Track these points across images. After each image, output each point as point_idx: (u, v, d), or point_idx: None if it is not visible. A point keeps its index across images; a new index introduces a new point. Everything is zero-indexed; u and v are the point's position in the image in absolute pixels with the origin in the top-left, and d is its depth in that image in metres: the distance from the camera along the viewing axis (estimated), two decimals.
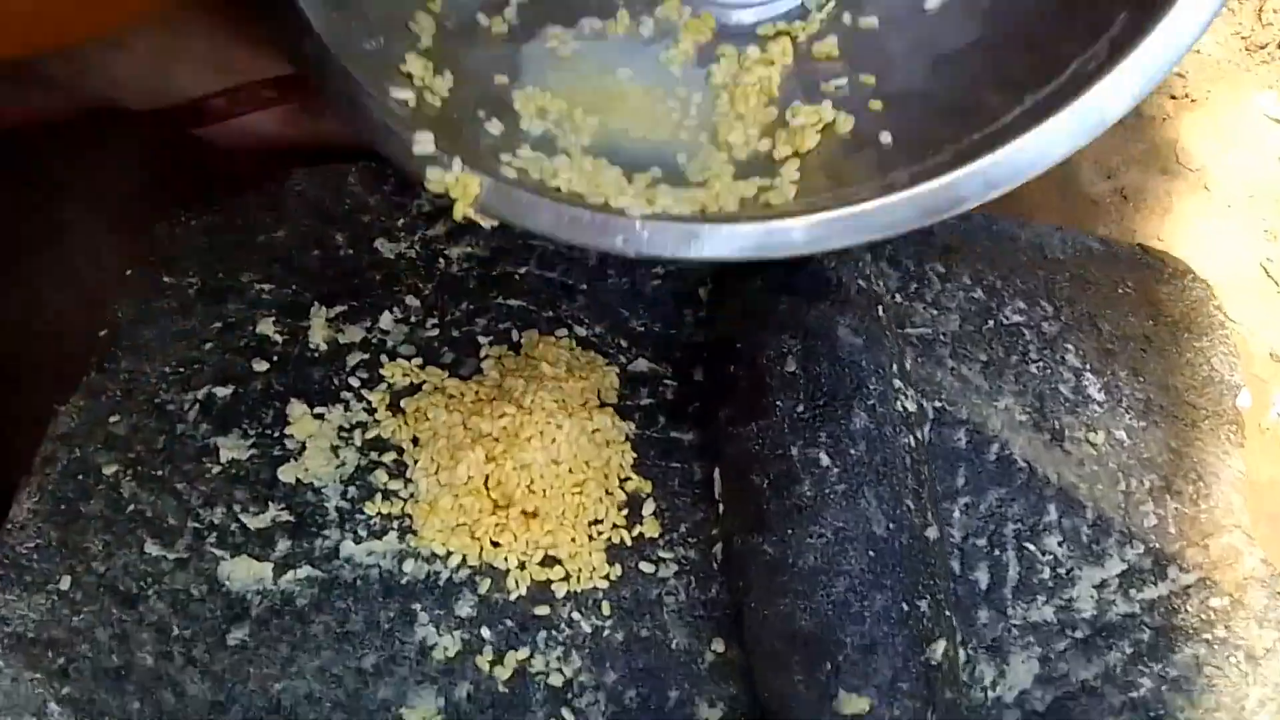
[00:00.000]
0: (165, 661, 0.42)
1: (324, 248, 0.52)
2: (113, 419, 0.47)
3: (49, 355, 0.54)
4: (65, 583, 0.43)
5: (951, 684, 0.39)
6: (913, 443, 0.42)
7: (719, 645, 0.43)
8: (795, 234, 0.37)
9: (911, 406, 0.43)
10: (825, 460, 0.41)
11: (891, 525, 0.40)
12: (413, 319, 0.50)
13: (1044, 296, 0.52)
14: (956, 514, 0.46)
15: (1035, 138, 0.37)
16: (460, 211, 0.37)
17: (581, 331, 0.50)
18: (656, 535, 0.46)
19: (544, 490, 0.44)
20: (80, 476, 0.45)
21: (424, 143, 0.38)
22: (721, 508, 0.43)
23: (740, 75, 0.46)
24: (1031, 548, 0.45)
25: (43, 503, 0.44)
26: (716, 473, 0.44)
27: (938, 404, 0.48)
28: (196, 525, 0.45)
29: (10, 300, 0.58)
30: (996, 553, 0.45)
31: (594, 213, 0.37)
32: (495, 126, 0.42)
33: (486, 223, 0.38)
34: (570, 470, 0.44)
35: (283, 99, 0.58)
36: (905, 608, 0.38)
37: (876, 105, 0.44)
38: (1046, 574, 0.45)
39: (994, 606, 0.44)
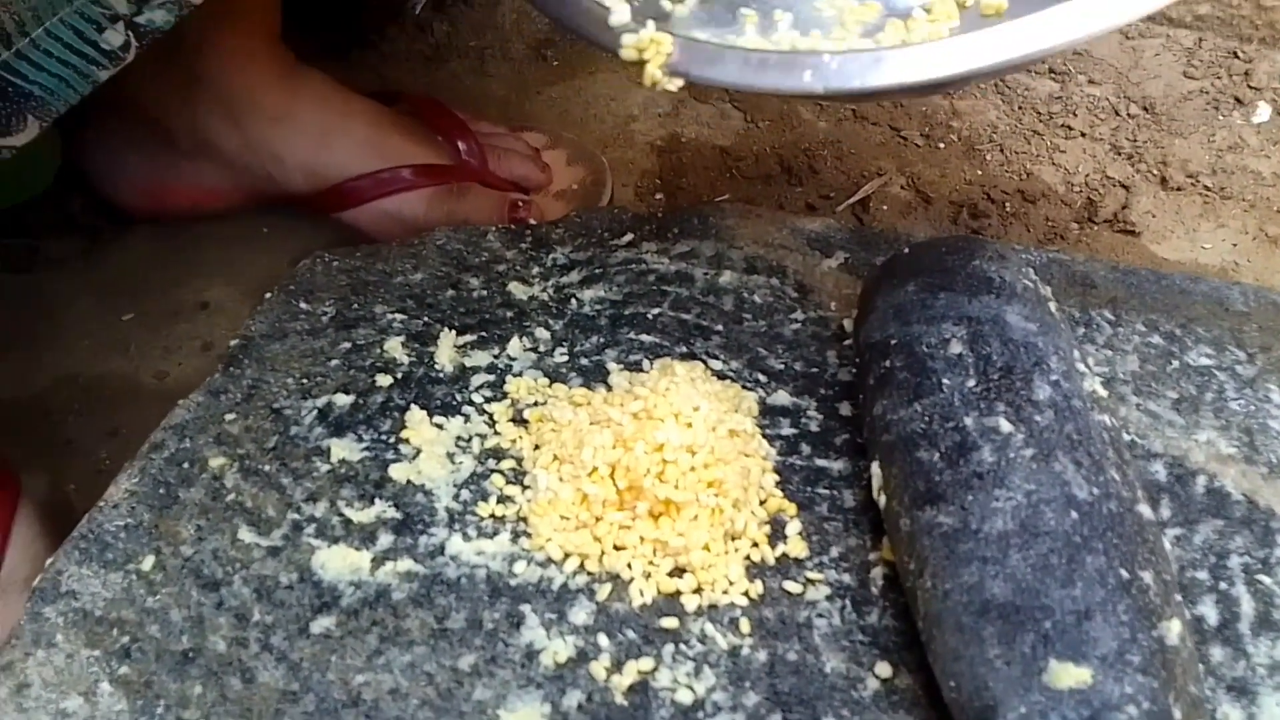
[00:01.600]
0: (239, 647, 0.37)
1: (458, 289, 0.52)
2: (228, 417, 0.45)
3: None
4: (148, 563, 0.39)
5: (1196, 681, 0.30)
6: (1109, 422, 0.37)
7: (884, 670, 0.36)
8: (988, 41, 0.34)
9: (1101, 391, 0.38)
10: (1007, 427, 0.35)
11: (1096, 490, 0.33)
12: (541, 349, 0.48)
13: (1233, 343, 0.47)
14: (1167, 546, 0.38)
15: None
16: (651, 75, 0.37)
17: (717, 365, 0.47)
18: (804, 556, 0.40)
19: (676, 481, 0.39)
20: (185, 465, 0.43)
21: (620, 12, 0.38)
22: (883, 500, 0.37)
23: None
24: (1267, 581, 0.37)
25: (142, 485, 0.42)
26: (874, 466, 0.39)
27: (1126, 437, 0.42)
28: (296, 517, 0.41)
29: (148, 359, 0.58)
30: (1223, 586, 0.37)
31: (780, 54, 0.37)
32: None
33: (674, 85, 0.37)
34: (707, 465, 0.39)
35: (423, 183, 0.61)
36: (1125, 574, 0.31)
37: None
38: None
39: (1230, 644, 0.35)
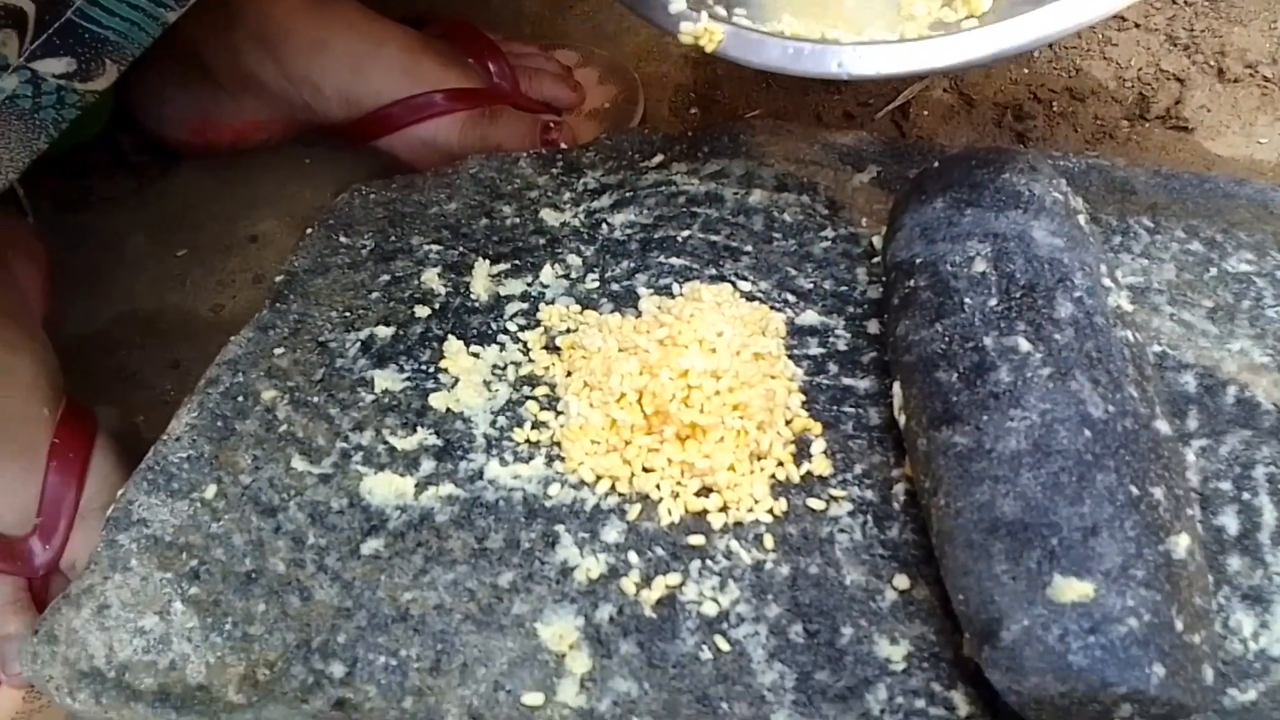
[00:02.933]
0: (296, 568, 0.40)
1: (491, 217, 0.53)
2: (277, 351, 0.47)
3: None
4: (210, 492, 0.42)
5: (1203, 593, 0.31)
6: (1132, 338, 0.37)
7: (902, 582, 0.37)
8: (998, 32, 0.40)
9: (1127, 306, 0.38)
10: (1025, 346, 0.35)
11: (1111, 409, 0.33)
12: (573, 275, 0.49)
13: (1275, 248, 0.46)
14: (1191, 457, 0.39)
15: None
16: (710, 48, 0.44)
17: (746, 286, 0.48)
18: (828, 474, 0.41)
19: (701, 405, 0.40)
20: (240, 398, 0.45)
21: (678, 1, 0.45)
22: (903, 420, 0.38)
23: None
24: None
25: (201, 418, 0.44)
26: (895, 386, 0.39)
27: (1157, 349, 0.42)
28: (344, 446, 0.43)
29: (204, 292, 0.61)
30: (1246, 497, 0.37)
31: (813, 44, 0.43)
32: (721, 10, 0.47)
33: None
34: (731, 389, 0.41)
35: (456, 107, 0.61)
36: (1135, 490, 0.31)
37: None
38: None
39: (1248, 553, 0.36)
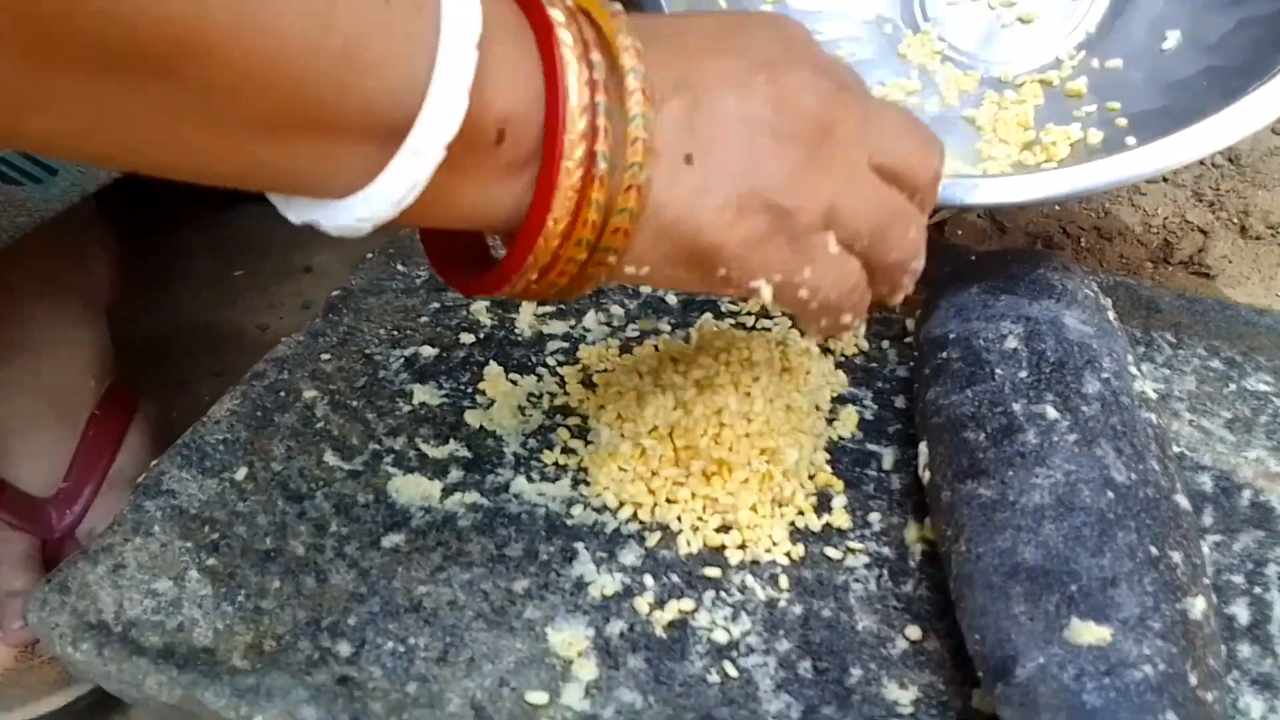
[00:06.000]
0: (316, 552, 0.40)
1: None
2: (324, 356, 0.48)
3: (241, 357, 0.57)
4: (241, 473, 0.43)
5: (1216, 656, 0.31)
6: (1155, 420, 0.38)
7: (914, 633, 0.37)
8: (1064, 177, 0.44)
9: (1151, 394, 0.39)
10: (1053, 414, 0.37)
11: (1134, 476, 0.34)
12: (615, 323, 0.51)
13: None
14: (1205, 550, 0.39)
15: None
16: None
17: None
18: (847, 528, 0.41)
19: (731, 444, 0.41)
20: (282, 393, 0.46)
21: None
22: (927, 476, 0.39)
23: (999, 114, 0.50)
24: None
25: (243, 406, 0.46)
26: (921, 445, 0.40)
27: (1176, 449, 0.43)
28: (377, 447, 0.44)
29: (254, 311, 0.63)
30: (1258, 590, 0.38)
31: None
32: None
33: None
34: (761, 433, 0.42)
35: None
36: (1154, 550, 0.32)
37: (1122, 122, 0.47)
38: None
39: (1259, 642, 0.36)
